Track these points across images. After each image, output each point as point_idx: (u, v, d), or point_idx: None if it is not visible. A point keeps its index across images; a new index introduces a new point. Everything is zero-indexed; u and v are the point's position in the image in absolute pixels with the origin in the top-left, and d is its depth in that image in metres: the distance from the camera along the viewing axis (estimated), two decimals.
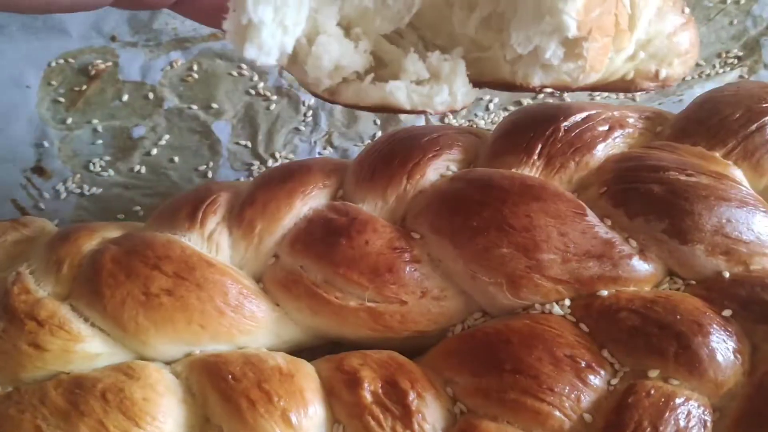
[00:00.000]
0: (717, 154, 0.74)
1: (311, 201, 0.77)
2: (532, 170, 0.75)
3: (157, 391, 0.67)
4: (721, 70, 0.96)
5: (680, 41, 0.73)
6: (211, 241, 0.76)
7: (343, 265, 0.72)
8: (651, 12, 0.71)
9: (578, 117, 0.77)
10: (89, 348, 0.70)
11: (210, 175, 0.95)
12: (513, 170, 0.75)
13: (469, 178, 0.75)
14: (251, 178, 0.92)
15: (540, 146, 0.76)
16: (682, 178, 0.70)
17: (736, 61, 0.97)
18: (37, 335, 0.69)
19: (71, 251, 0.75)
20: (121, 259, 0.72)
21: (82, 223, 0.80)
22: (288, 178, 0.77)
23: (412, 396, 0.66)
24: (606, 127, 0.77)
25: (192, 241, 0.75)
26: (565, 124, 0.77)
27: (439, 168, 0.78)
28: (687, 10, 0.74)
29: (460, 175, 0.76)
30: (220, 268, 0.73)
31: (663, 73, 0.73)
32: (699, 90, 0.92)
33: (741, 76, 0.95)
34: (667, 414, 0.61)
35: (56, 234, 0.79)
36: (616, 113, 0.79)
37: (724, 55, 0.98)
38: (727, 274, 0.68)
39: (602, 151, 0.76)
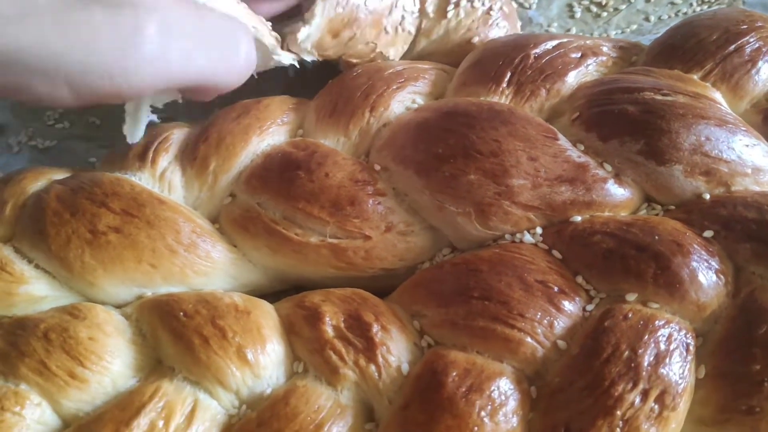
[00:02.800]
0: (695, 77, 0.70)
1: (269, 137, 0.73)
2: (501, 99, 0.72)
3: (105, 331, 0.63)
4: (698, 8, 0.93)
5: (467, 48, 0.82)
6: (163, 181, 0.72)
7: (302, 200, 0.68)
8: (436, 35, 0.82)
9: (549, 44, 0.74)
10: (33, 290, 0.66)
11: None
12: (481, 99, 0.72)
13: (435, 106, 0.71)
14: None
15: (509, 74, 0.72)
16: (658, 97, 0.66)
17: None
18: None
19: (15, 192, 0.70)
20: (67, 198, 0.68)
21: (29, 167, 0.75)
22: (244, 114, 0.74)
23: (376, 328, 0.61)
24: (578, 55, 0.74)
25: (143, 180, 0.72)
26: (535, 51, 0.73)
27: (404, 100, 0.74)
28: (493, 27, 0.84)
29: (425, 105, 0.72)
30: (171, 206, 0.69)
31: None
32: None
33: None
34: (647, 337, 0.57)
35: (2, 177, 0.74)
36: (588, 42, 0.76)
37: None
38: (707, 196, 0.65)
39: (574, 78, 0.72)
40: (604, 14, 0.95)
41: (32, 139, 0.90)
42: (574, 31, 0.94)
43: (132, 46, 0.55)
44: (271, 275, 0.72)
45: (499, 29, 0.83)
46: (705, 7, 0.93)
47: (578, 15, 0.96)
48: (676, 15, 0.94)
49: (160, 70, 0.57)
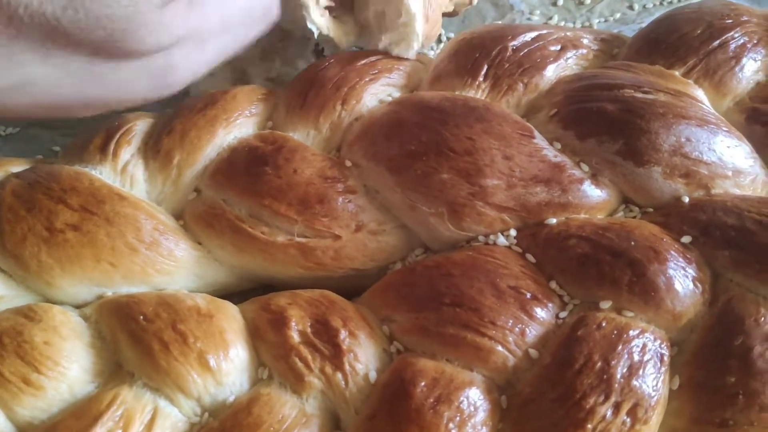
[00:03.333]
0: (677, 73, 0.68)
1: (236, 130, 0.70)
2: (477, 93, 0.70)
3: (61, 334, 0.60)
4: None
5: None
6: (125, 175, 0.69)
7: (269, 196, 0.65)
8: None
9: (528, 36, 0.72)
10: None
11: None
12: (457, 93, 0.69)
13: (408, 101, 0.69)
14: None
15: (486, 67, 0.70)
16: (638, 95, 0.64)
17: None
18: None
19: None
20: (23, 193, 0.65)
21: None
22: (210, 105, 0.71)
23: (343, 335, 0.59)
24: (558, 47, 0.71)
25: (104, 174, 0.69)
26: (513, 43, 0.71)
27: (378, 93, 0.72)
28: None
29: (398, 99, 0.70)
30: (132, 202, 0.66)
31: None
32: None
33: None
34: (620, 347, 0.56)
35: None
36: (569, 34, 0.74)
37: None
38: (686, 199, 0.63)
39: (553, 72, 0.70)
40: (588, 2, 0.93)
41: None
42: (556, 19, 0.91)
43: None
44: (237, 274, 0.70)
45: None
46: None
47: (561, 2, 0.93)
48: (661, 4, 0.91)
49: None
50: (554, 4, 0.93)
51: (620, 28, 0.89)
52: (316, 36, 0.75)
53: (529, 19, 0.92)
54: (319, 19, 0.73)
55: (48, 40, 0.54)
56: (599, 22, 0.91)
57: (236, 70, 0.85)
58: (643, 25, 0.87)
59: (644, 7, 0.92)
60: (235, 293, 0.71)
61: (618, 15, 0.92)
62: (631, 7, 0.92)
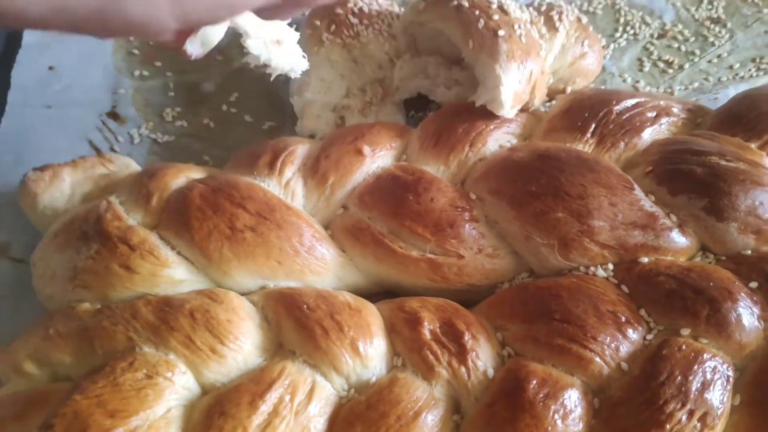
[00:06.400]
0: (753, 146, 0.81)
1: (379, 160, 0.84)
2: (584, 147, 0.83)
3: (239, 315, 0.74)
4: (755, 74, 1.04)
5: (579, 66, 0.97)
6: (287, 188, 0.83)
7: (409, 218, 0.79)
8: (556, 51, 0.95)
9: (629, 102, 0.85)
10: (174, 274, 0.77)
11: (277, 132, 1.01)
12: (568, 145, 0.83)
13: (529, 148, 0.82)
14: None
15: (594, 126, 0.83)
16: (722, 162, 0.78)
17: None
18: (128, 258, 0.75)
19: (159, 186, 0.81)
20: (209, 196, 0.79)
21: (166, 162, 0.86)
22: (360, 137, 0.85)
23: (467, 336, 0.73)
24: (654, 114, 0.85)
25: (271, 186, 0.83)
26: (617, 107, 0.84)
27: (499, 139, 0.85)
28: (586, 42, 0.97)
29: (520, 146, 0.84)
30: (296, 212, 0.80)
31: (569, 89, 0.98)
32: (733, 90, 1.00)
33: None
34: (696, 367, 0.69)
35: (144, 170, 0.86)
36: (662, 102, 0.87)
37: (758, 61, 1.06)
38: (750, 252, 0.76)
39: (649, 134, 0.84)
40: (670, 71, 1.06)
41: (152, 132, 1.01)
42: (642, 83, 1.05)
43: None
44: (371, 280, 0.83)
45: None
46: (761, 73, 1.04)
47: (647, 69, 1.06)
48: (734, 78, 1.05)
49: None
50: (641, 69, 1.07)
51: (698, 96, 1.02)
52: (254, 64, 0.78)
53: (621, 81, 1.05)
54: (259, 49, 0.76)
55: None
56: (680, 89, 1.04)
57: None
58: (718, 96, 1.02)
59: (719, 79, 1.05)
60: (362, 295, 0.84)
61: (696, 84, 1.05)
62: (707, 79, 1.05)
